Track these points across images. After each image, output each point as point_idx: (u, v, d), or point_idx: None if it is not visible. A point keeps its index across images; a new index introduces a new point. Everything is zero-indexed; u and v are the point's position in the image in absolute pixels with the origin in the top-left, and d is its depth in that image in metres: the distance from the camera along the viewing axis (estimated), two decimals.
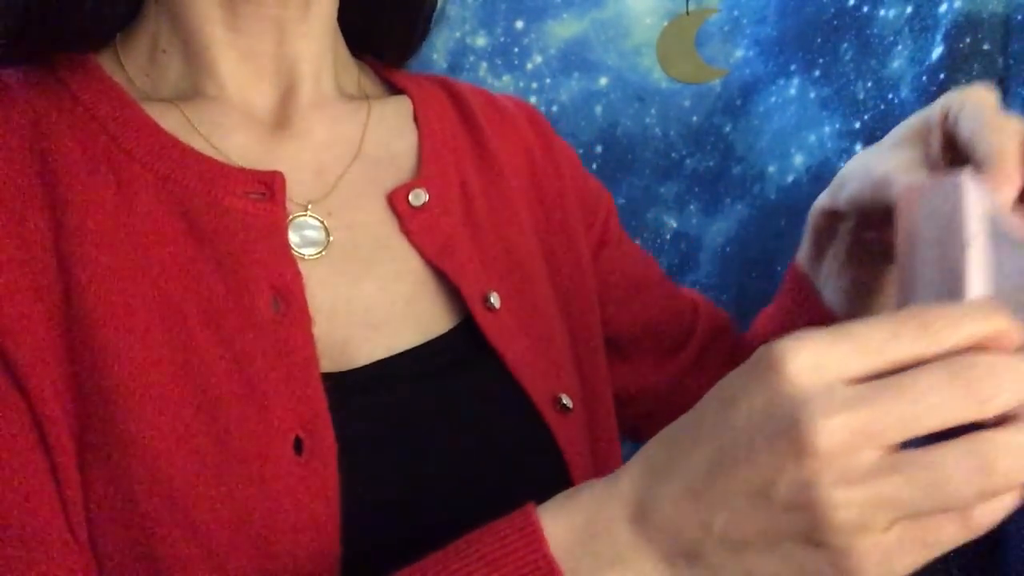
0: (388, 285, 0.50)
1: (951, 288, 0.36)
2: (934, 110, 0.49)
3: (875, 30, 0.97)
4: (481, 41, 1.08)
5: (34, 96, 0.47)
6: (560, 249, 0.59)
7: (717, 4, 1.07)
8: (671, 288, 0.69)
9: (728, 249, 1.11)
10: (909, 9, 0.93)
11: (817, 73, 1.03)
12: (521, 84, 1.09)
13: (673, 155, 1.11)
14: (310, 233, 0.49)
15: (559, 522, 0.37)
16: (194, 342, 0.43)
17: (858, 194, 0.52)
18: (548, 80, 1.09)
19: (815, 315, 0.60)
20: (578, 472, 0.51)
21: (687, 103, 1.10)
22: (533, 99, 1.09)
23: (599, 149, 1.11)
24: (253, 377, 0.43)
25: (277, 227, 0.47)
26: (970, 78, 0.88)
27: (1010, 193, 0.41)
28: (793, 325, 0.61)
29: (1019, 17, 0.86)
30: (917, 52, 0.92)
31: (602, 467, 0.56)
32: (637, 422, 0.68)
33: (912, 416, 0.30)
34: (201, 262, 0.45)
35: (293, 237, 0.48)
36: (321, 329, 0.46)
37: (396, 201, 0.52)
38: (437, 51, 1.06)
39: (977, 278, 0.36)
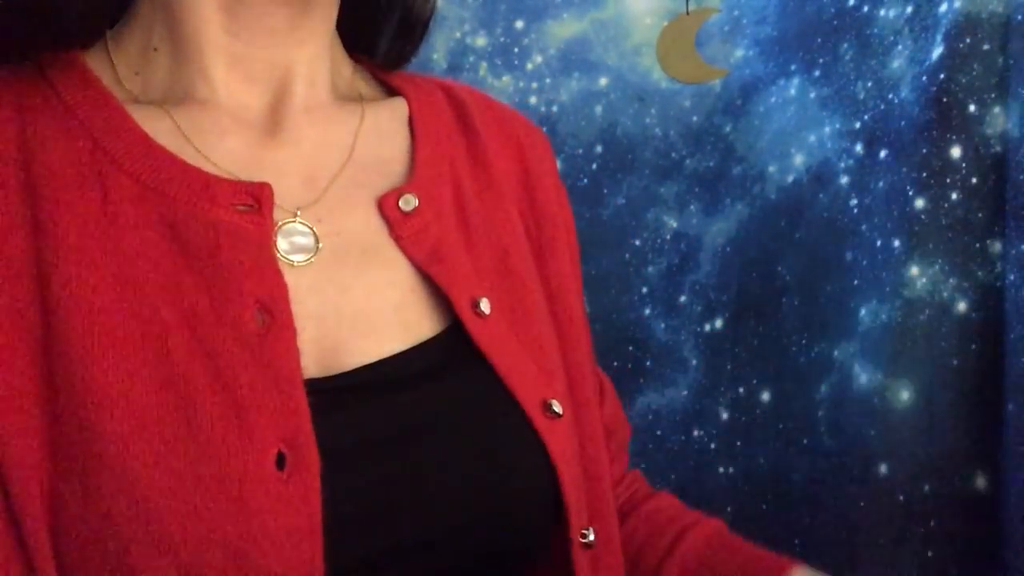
0: (377, 292, 0.50)
1: None
2: None
3: (875, 30, 0.97)
4: (481, 41, 1.08)
5: (20, 97, 0.46)
6: (547, 254, 0.59)
7: (717, 4, 1.07)
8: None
9: (728, 249, 1.11)
10: (909, 9, 0.93)
11: (817, 73, 1.03)
12: (521, 84, 1.09)
13: (673, 155, 1.11)
14: (299, 239, 0.48)
15: None
16: (175, 357, 0.42)
17: None
18: (548, 80, 1.09)
19: None
20: (568, 479, 0.51)
21: (687, 103, 1.10)
22: (533, 99, 1.09)
23: (599, 149, 1.11)
24: (235, 392, 0.42)
25: (264, 240, 0.46)
26: (970, 78, 0.88)
27: None
28: None
29: (1019, 17, 0.86)
30: (917, 52, 0.92)
31: (590, 473, 0.55)
32: None
33: None
34: (185, 275, 0.44)
35: (282, 244, 0.48)
36: (309, 336, 0.46)
37: (386, 207, 0.52)
38: (437, 51, 1.06)
39: None
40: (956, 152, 0.89)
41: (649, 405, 1.12)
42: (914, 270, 0.91)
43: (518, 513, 0.49)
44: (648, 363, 1.13)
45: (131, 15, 0.51)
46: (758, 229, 1.08)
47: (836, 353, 1.00)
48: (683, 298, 1.12)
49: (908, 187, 0.91)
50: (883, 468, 0.92)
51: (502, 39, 1.08)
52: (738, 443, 1.10)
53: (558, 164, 0.66)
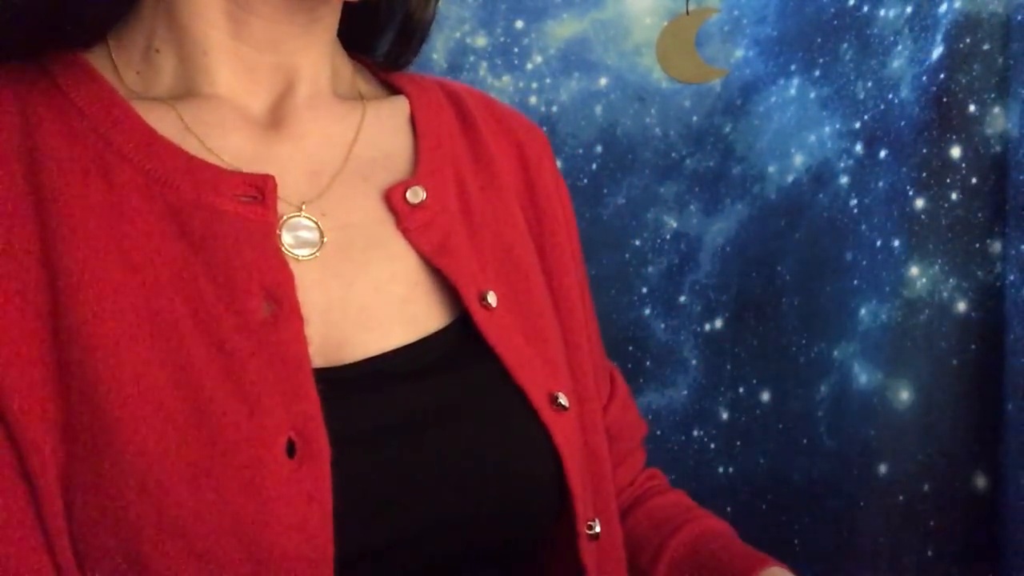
0: (383, 285, 0.50)
1: None
2: None
3: (875, 30, 0.97)
4: (481, 41, 1.08)
5: (24, 94, 0.47)
6: (549, 248, 0.60)
7: (717, 4, 1.07)
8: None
9: (728, 249, 1.11)
10: (909, 9, 0.93)
11: (817, 73, 1.03)
12: (521, 84, 1.09)
13: (673, 155, 1.11)
14: (304, 234, 0.49)
15: None
16: (185, 347, 0.43)
17: None
18: (548, 80, 1.09)
19: None
20: (574, 471, 0.51)
21: (687, 103, 1.10)
22: (533, 99, 1.09)
23: (599, 149, 1.11)
24: (245, 380, 0.43)
25: (268, 230, 0.47)
26: (970, 78, 0.88)
27: None
28: None
29: (1019, 17, 0.86)
30: (917, 52, 0.92)
31: (594, 466, 0.56)
32: None
33: None
34: (192, 265, 0.45)
35: (287, 238, 0.48)
36: (315, 330, 0.46)
37: (393, 199, 0.52)
38: (437, 51, 1.06)
39: None
40: (956, 152, 0.89)
41: (649, 405, 1.12)
42: (914, 270, 0.91)
43: (524, 504, 0.50)
44: (648, 363, 1.13)
45: (132, 16, 0.51)
46: (758, 229, 1.08)
47: (836, 353, 1.00)
48: (683, 298, 1.12)
49: (908, 187, 0.91)
50: (883, 468, 0.92)
51: (502, 39, 1.08)
52: (738, 443, 1.10)
53: (558, 164, 0.67)
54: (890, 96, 0.95)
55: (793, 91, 1.05)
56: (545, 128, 1.00)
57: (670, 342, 1.13)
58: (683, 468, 1.11)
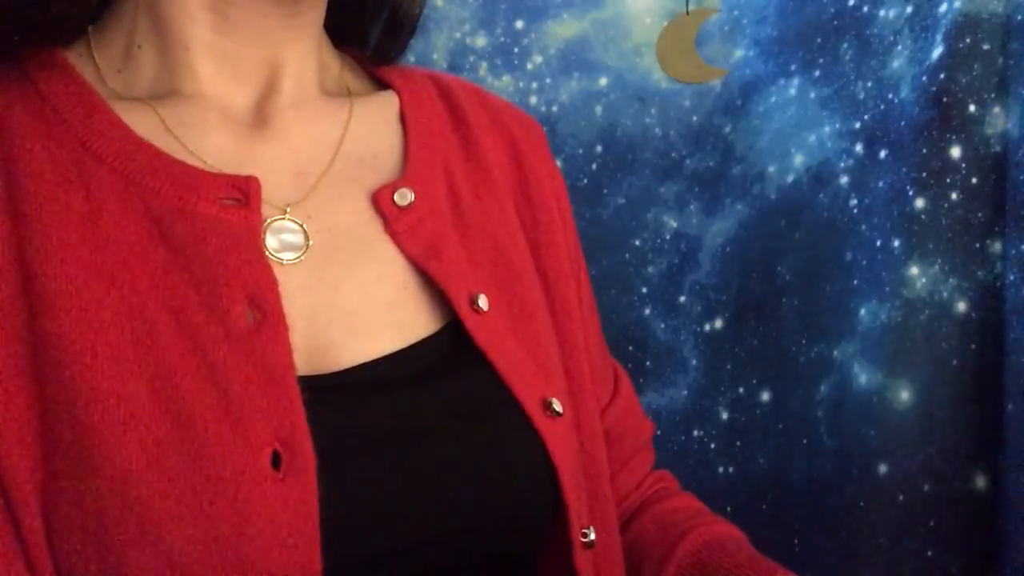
0: (370, 289, 0.49)
1: None
2: None
3: (875, 30, 0.97)
4: (481, 41, 1.08)
5: (0, 94, 0.46)
6: (544, 248, 0.58)
7: (717, 4, 1.07)
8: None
9: (728, 249, 1.10)
10: (909, 9, 0.93)
11: (817, 73, 1.03)
12: (521, 84, 1.09)
13: (673, 155, 1.11)
14: (288, 237, 0.47)
15: None
16: (166, 356, 0.41)
17: None
18: (548, 80, 1.09)
19: None
20: (568, 479, 0.50)
21: (687, 103, 1.10)
22: (533, 99, 1.09)
23: (599, 149, 1.11)
24: (228, 390, 0.41)
25: (252, 234, 0.45)
26: (970, 78, 0.88)
27: None
28: None
29: (1019, 17, 0.86)
30: (917, 52, 0.92)
31: (589, 472, 0.55)
32: None
33: None
34: (173, 272, 0.43)
35: (271, 242, 0.47)
36: (300, 336, 0.45)
37: (381, 201, 0.51)
38: (437, 51, 1.06)
39: None
40: (956, 152, 0.89)
41: (649, 405, 1.12)
42: (914, 270, 0.91)
43: (517, 514, 0.49)
44: (648, 363, 1.13)
45: (113, 12, 0.50)
46: (758, 229, 1.08)
47: (836, 353, 1.00)
48: (683, 298, 1.12)
49: (908, 187, 0.91)
50: (883, 468, 0.92)
51: (502, 39, 1.08)
52: (738, 443, 1.10)
53: (558, 164, 0.66)
54: (890, 96, 0.95)
55: (793, 91, 1.05)
56: (545, 128, 0.99)
57: (670, 342, 1.13)
58: (683, 468, 1.11)
